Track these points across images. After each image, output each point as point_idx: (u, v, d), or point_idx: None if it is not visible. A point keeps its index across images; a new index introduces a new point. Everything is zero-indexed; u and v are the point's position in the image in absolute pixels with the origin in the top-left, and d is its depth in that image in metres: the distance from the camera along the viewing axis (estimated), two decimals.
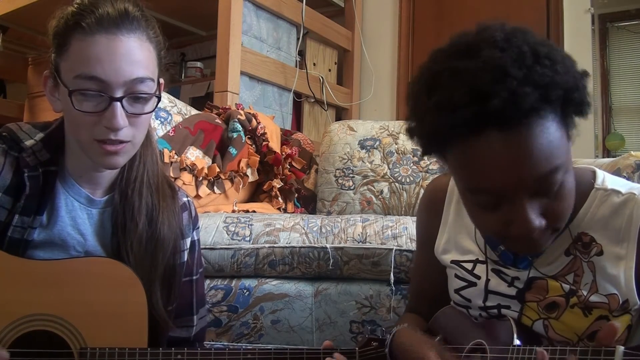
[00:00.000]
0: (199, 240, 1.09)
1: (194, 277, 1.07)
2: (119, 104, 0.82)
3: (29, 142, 0.91)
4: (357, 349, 0.95)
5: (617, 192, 0.81)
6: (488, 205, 0.74)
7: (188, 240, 1.05)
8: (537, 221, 0.72)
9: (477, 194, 0.75)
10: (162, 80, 0.93)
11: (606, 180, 0.84)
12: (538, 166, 0.69)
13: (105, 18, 0.82)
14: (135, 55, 0.83)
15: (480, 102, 0.67)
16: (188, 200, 1.07)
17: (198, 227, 1.09)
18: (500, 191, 0.72)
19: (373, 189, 1.99)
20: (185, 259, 1.04)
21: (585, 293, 0.80)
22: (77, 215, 0.93)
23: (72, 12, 0.83)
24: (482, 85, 0.67)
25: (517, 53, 0.68)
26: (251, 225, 1.43)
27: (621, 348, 0.63)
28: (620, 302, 0.79)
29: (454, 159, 0.75)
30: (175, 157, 1.67)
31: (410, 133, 0.80)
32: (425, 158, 1.98)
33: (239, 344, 1.35)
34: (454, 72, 0.70)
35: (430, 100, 0.72)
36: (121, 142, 0.85)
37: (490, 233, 0.80)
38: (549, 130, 0.69)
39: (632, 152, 1.51)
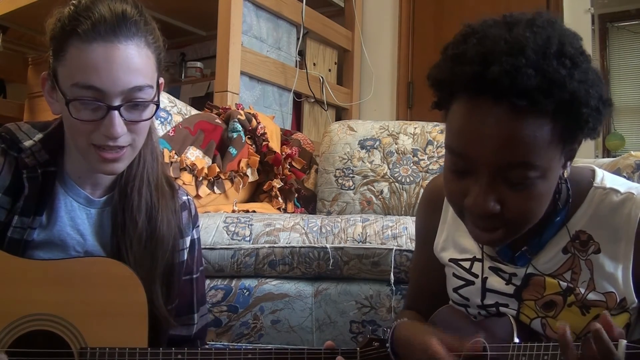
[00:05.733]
0: (199, 239, 1.09)
1: (194, 276, 1.07)
2: (116, 112, 0.81)
3: (27, 143, 0.91)
4: (358, 349, 0.95)
5: (616, 191, 0.81)
6: (458, 170, 0.76)
7: (188, 239, 1.04)
8: (490, 203, 0.72)
9: (454, 154, 0.76)
10: (162, 80, 0.92)
11: (605, 179, 0.84)
12: (512, 152, 0.69)
13: (102, 23, 0.80)
14: (133, 63, 0.82)
15: (484, 64, 0.68)
16: (188, 199, 1.07)
17: (198, 226, 1.09)
18: (470, 159, 0.73)
19: (373, 189, 1.99)
20: (185, 258, 1.04)
21: (582, 291, 0.81)
22: (77, 216, 0.93)
23: (69, 15, 0.82)
24: (493, 51, 0.69)
25: (544, 41, 0.69)
26: (251, 225, 1.43)
27: (624, 342, 0.63)
28: (618, 300, 0.79)
29: (451, 114, 0.76)
30: (175, 157, 1.67)
31: (428, 79, 0.81)
32: (425, 158, 1.98)
33: (239, 344, 1.35)
34: (483, 34, 0.72)
35: (450, 51, 0.75)
36: (120, 148, 0.85)
37: (452, 203, 0.81)
38: (539, 127, 0.69)
39: (632, 152, 1.52)
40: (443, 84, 0.76)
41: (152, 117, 0.88)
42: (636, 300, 0.79)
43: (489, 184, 0.72)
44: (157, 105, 0.88)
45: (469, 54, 0.71)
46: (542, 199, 0.74)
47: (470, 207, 0.74)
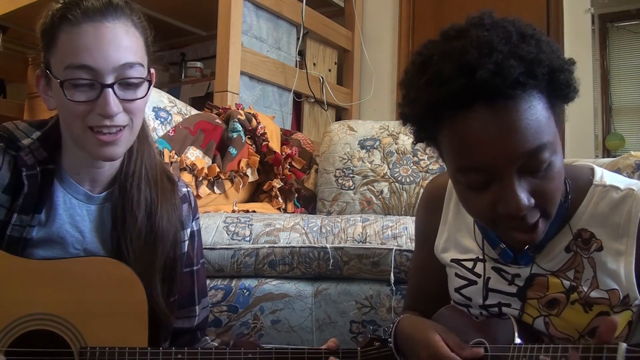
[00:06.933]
0: (199, 230, 1.10)
1: (195, 268, 1.07)
2: (110, 90, 0.83)
3: (26, 141, 0.91)
4: (359, 349, 0.95)
5: (616, 188, 0.82)
6: (477, 185, 0.75)
7: (188, 231, 1.05)
8: (525, 198, 0.72)
9: (467, 172, 0.75)
10: (153, 70, 0.93)
11: (605, 176, 0.84)
12: (526, 141, 0.70)
13: (90, 9, 0.83)
14: (122, 41, 0.84)
15: (468, 75, 0.69)
16: (188, 191, 1.07)
17: (198, 217, 1.10)
18: (489, 167, 0.72)
19: (373, 189, 1.99)
20: (186, 250, 1.04)
21: (585, 289, 0.81)
22: (76, 213, 0.93)
23: (58, 8, 0.85)
24: (469, 60, 0.69)
25: (503, 32, 0.71)
26: (251, 225, 1.43)
27: (624, 345, 0.63)
28: (621, 297, 0.79)
29: (444, 139, 0.76)
30: (175, 157, 1.67)
31: (404, 119, 0.81)
32: (425, 158, 1.98)
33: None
34: (444, 52, 0.73)
35: (421, 80, 0.74)
36: (118, 128, 0.86)
37: (481, 218, 0.80)
38: (536, 108, 0.71)
39: (632, 152, 1.52)
40: (427, 113, 0.75)
41: (146, 95, 0.89)
42: (639, 296, 0.79)
43: (517, 182, 0.72)
44: (150, 83, 0.89)
45: (445, 72, 0.71)
46: (561, 173, 0.76)
47: (509, 212, 0.73)
